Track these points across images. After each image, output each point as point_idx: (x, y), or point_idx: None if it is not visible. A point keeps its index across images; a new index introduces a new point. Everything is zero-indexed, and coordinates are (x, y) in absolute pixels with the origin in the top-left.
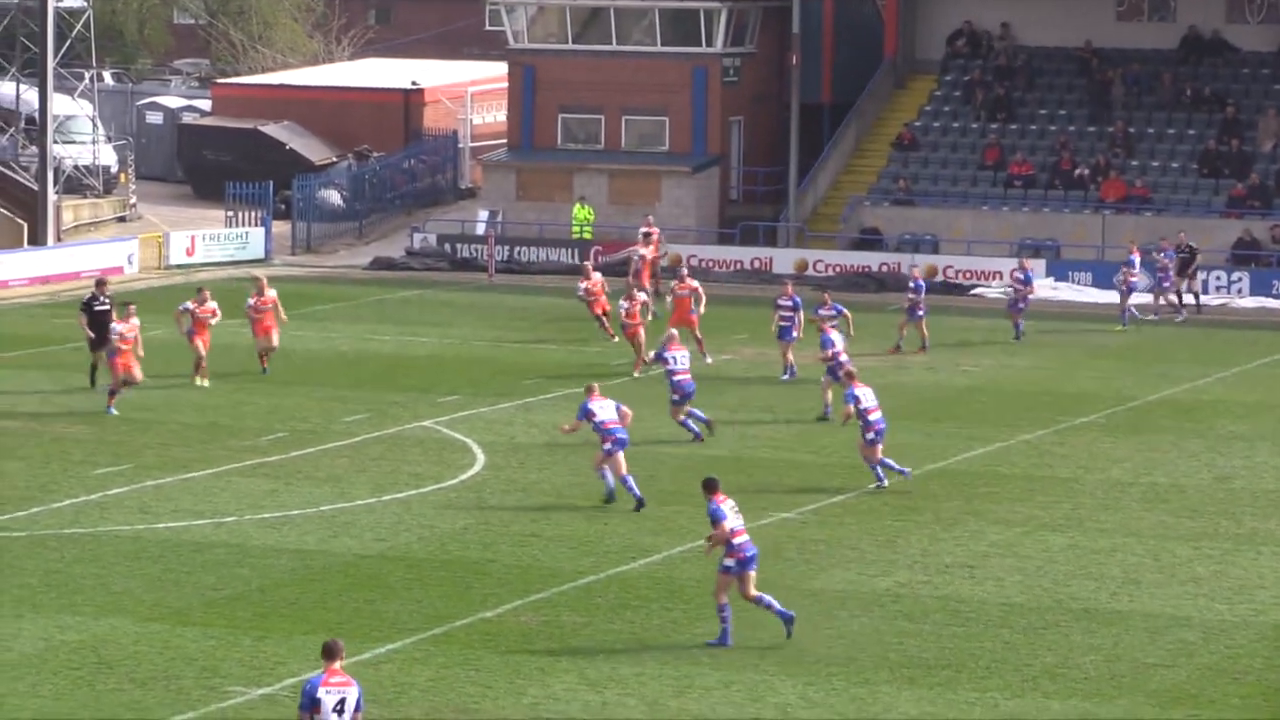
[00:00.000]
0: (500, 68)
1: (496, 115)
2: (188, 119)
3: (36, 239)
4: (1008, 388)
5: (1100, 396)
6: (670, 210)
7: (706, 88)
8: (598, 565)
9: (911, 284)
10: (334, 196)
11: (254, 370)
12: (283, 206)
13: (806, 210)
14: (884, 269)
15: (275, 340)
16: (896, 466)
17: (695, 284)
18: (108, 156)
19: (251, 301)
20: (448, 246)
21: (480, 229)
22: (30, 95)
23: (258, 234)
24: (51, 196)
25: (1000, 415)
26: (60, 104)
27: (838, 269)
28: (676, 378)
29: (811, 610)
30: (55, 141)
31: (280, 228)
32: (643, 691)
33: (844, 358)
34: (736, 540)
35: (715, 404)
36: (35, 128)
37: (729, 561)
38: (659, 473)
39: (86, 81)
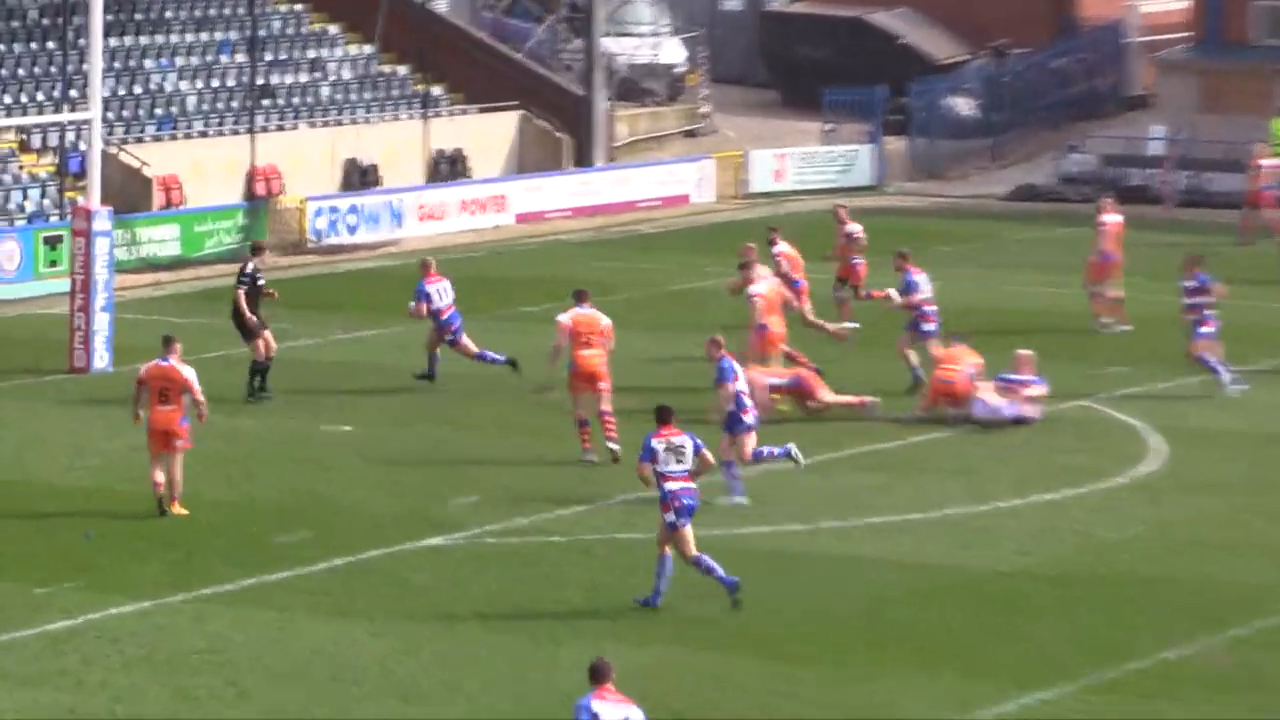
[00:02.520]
0: None
1: (1174, 1)
2: (774, 5)
3: (582, 159)
4: None
5: None
6: None
7: None
8: None
9: None
10: (963, 106)
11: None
12: (897, 118)
13: None
14: None
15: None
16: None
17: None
18: (673, 53)
19: (844, 237)
20: (1111, 171)
21: (1154, 149)
22: None
23: (864, 153)
24: (602, 104)
25: None
26: None
27: None
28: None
29: None
30: (606, 34)
31: (893, 145)
32: None
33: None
34: (668, 485)
35: None
36: (580, 16)
37: (667, 518)
38: None
39: None
